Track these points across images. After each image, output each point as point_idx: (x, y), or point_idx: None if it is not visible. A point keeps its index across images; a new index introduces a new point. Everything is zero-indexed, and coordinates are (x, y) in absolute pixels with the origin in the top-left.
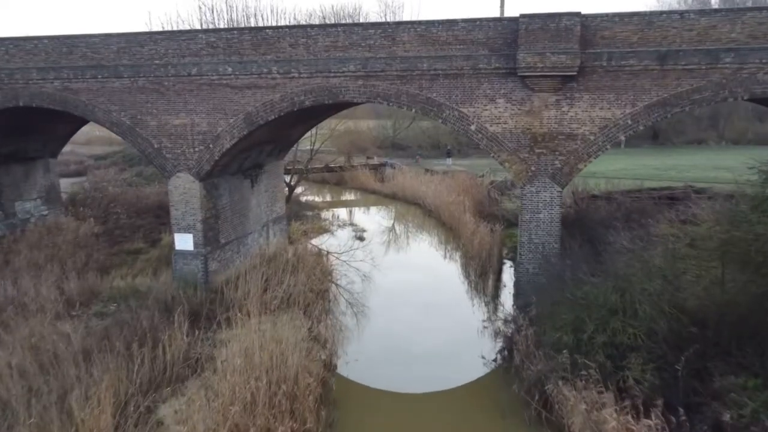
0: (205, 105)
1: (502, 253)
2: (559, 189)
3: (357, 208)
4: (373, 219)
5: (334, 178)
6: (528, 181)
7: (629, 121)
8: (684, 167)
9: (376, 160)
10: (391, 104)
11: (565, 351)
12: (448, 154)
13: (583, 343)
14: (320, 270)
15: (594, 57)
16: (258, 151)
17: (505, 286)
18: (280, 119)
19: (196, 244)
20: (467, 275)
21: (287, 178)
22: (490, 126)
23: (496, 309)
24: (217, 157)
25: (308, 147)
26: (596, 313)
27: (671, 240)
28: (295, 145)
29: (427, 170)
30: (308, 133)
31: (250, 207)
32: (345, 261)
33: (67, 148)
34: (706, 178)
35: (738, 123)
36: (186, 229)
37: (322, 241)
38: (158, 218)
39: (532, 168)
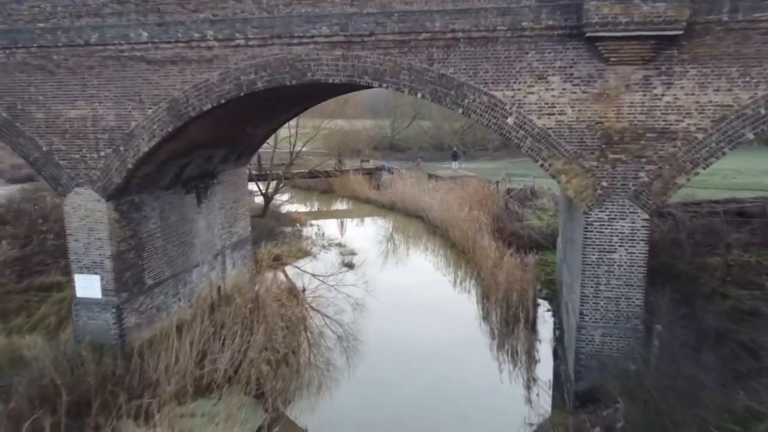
0: (112, 88)
1: (536, 291)
2: (646, 216)
3: (348, 221)
4: (366, 236)
5: (322, 185)
6: (596, 202)
7: (762, 110)
8: (726, 172)
9: (371, 164)
10: (385, 85)
11: None
12: (454, 157)
13: None
14: (287, 321)
15: (708, 7)
16: (205, 155)
17: (552, 356)
18: (227, 110)
19: (105, 290)
20: (489, 323)
21: (263, 186)
22: (538, 118)
23: (536, 385)
24: (131, 165)
25: (292, 147)
26: None
27: None
28: (273, 144)
29: (430, 176)
30: (288, 132)
31: (197, 231)
32: (326, 300)
33: None
34: (760, 185)
35: None
36: (90, 269)
37: (298, 268)
38: None
39: (603, 183)
